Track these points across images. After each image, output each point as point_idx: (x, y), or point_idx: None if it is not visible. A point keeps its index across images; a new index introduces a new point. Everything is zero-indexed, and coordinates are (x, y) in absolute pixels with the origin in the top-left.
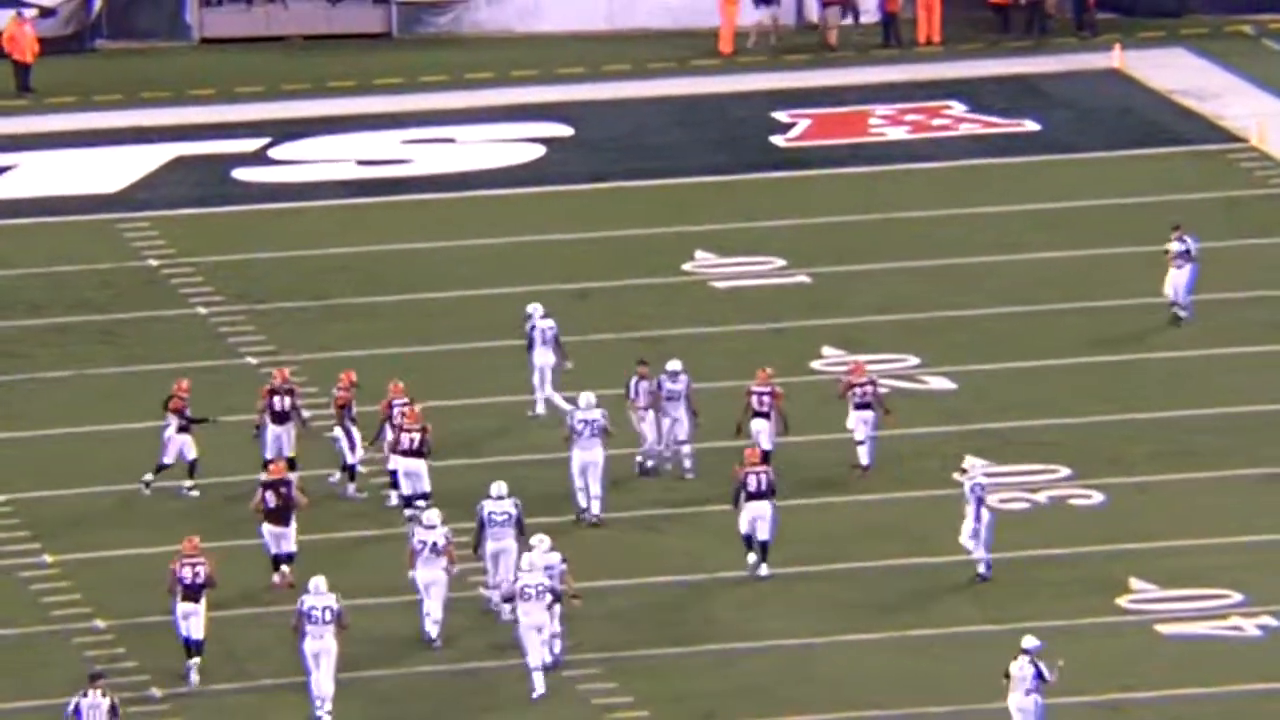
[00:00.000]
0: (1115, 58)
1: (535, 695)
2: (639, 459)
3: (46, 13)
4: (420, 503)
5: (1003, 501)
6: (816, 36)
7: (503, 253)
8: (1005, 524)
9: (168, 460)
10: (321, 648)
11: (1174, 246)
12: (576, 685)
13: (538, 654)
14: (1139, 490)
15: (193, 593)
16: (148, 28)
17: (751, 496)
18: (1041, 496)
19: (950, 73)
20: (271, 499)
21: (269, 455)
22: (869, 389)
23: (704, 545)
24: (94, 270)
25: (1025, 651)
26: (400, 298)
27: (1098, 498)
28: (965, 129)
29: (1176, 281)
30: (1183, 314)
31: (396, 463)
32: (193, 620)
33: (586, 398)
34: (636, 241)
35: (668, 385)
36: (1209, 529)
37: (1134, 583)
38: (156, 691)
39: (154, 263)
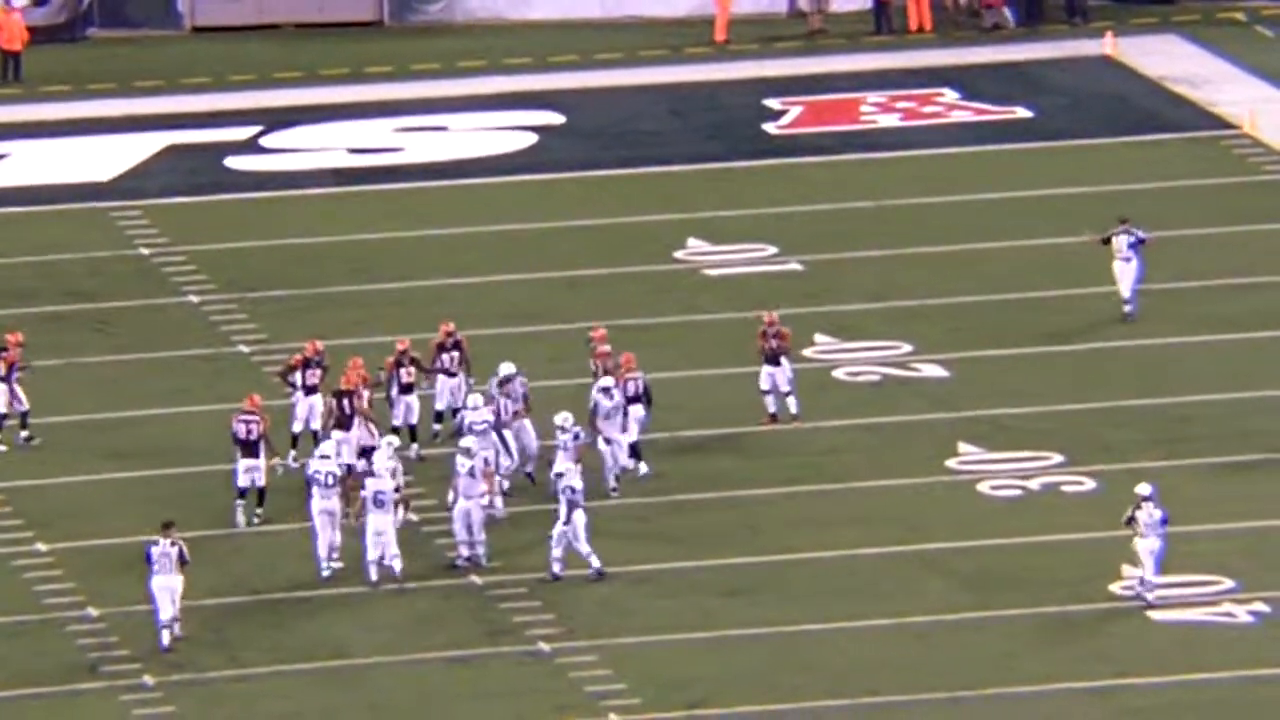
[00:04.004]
0: (1107, 44)
1: (373, 578)
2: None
3: (39, 1)
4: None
5: (995, 488)
6: (806, 24)
7: (494, 241)
8: (997, 511)
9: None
10: (327, 507)
11: (1122, 240)
12: (569, 672)
13: (376, 553)
14: (1132, 477)
15: (249, 448)
16: (140, 16)
17: (630, 401)
18: (1034, 483)
19: (942, 60)
20: (346, 407)
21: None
22: (774, 343)
23: (695, 533)
24: (86, 259)
25: (1146, 499)
26: (392, 285)
27: (1090, 484)
28: (957, 116)
29: (1125, 276)
30: (1127, 308)
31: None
32: (255, 474)
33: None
34: (628, 229)
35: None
36: (1202, 515)
37: (1126, 569)
38: (149, 680)
39: (146, 251)
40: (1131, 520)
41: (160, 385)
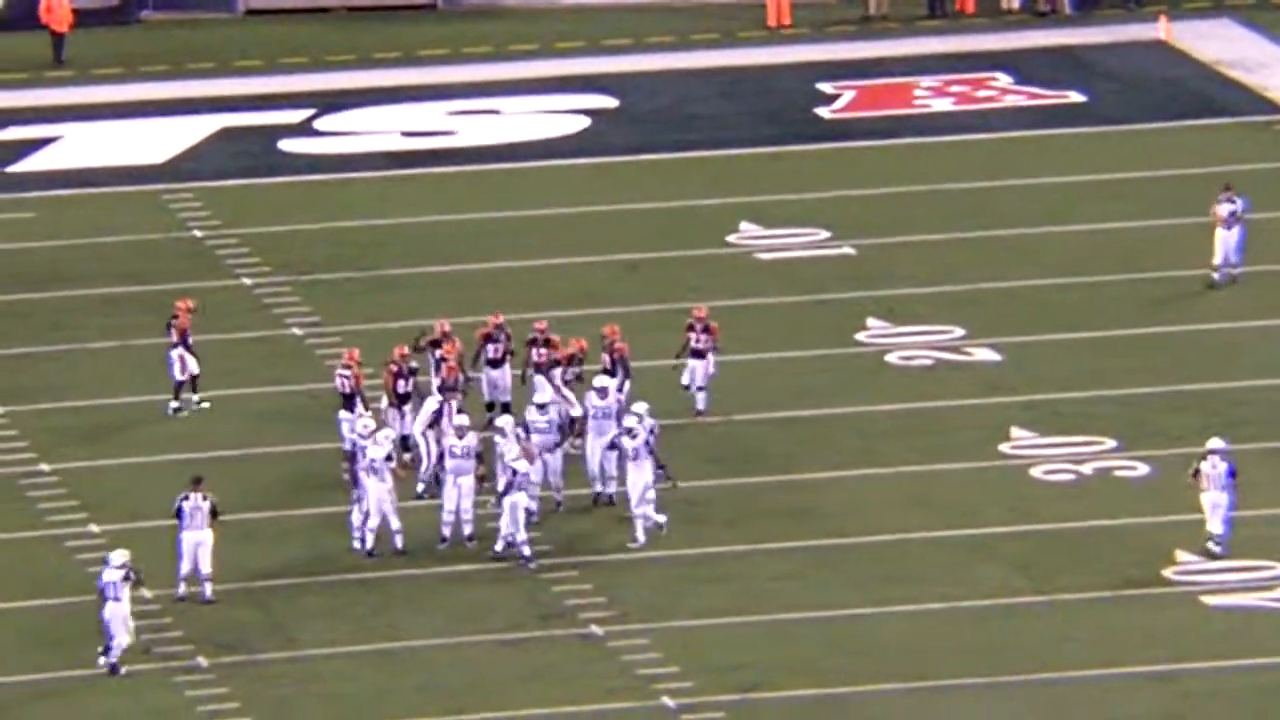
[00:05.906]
0: (1161, 28)
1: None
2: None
3: None
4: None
5: (1048, 473)
6: (861, 7)
7: (547, 224)
8: (1051, 495)
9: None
10: (384, 492)
11: (1223, 208)
12: (621, 656)
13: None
14: (1185, 462)
15: (347, 402)
16: None
17: (624, 374)
18: (1087, 468)
19: (996, 44)
20: (402, 386)
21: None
22: (702, 338)
23: (747, 516)
24: (139, 241)
25: (1214, 451)
26: (445, 269)
27: (1144, 469)
28: (1010, 100)
29: (1227, 243)
30: (1224, 274)
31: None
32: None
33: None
34: (681, 213)
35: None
36: (1255, 501)
37: (1180, 554)
38: (203, 661)
39: (199, 234)
40: (1197, 474)
41: (213, 367)
